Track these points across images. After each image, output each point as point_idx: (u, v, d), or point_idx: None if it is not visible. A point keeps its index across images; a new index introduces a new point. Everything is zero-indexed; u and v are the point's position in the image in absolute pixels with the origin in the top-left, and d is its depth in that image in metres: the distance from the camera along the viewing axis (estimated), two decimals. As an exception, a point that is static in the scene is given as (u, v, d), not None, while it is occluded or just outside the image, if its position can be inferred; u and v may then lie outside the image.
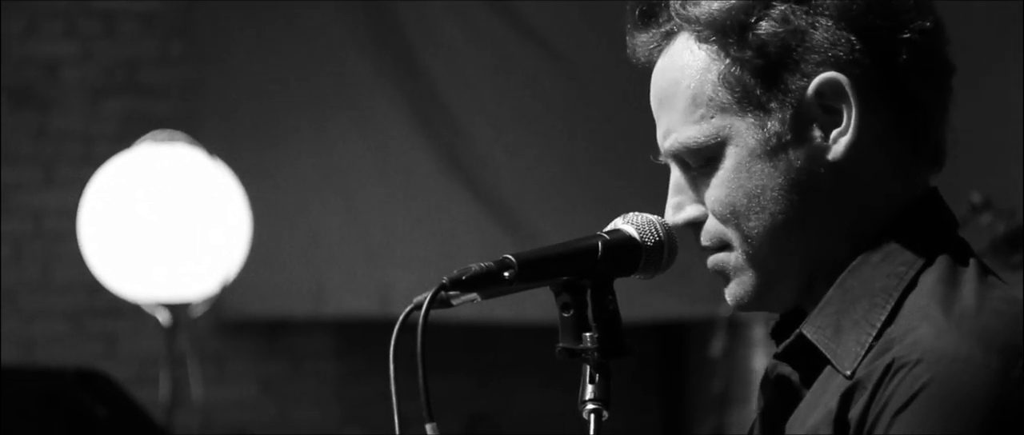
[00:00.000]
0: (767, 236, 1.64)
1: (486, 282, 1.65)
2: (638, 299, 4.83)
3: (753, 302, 1.68)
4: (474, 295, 1.66)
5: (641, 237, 1.68)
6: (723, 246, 1.67)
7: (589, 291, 1.67)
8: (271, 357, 5.95)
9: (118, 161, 4.98)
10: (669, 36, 1.68)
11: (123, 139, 5.18)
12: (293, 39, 5.74)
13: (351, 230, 5.76)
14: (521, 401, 6.10)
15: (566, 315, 1.67)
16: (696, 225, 1.68)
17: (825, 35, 1.61)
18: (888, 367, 1.54)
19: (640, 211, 1.72)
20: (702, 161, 1.66)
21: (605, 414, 1.66)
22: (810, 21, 1.61)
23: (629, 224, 1.70)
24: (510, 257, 1.65)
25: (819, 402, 1.60)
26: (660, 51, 1.69)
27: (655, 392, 6.26)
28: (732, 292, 1.68)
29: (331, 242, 5.76)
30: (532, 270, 1.65)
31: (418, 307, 1.65)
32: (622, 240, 1.68)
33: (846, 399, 1.56)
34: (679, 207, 1.69)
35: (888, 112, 1.63)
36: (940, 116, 1.66)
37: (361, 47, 5.74)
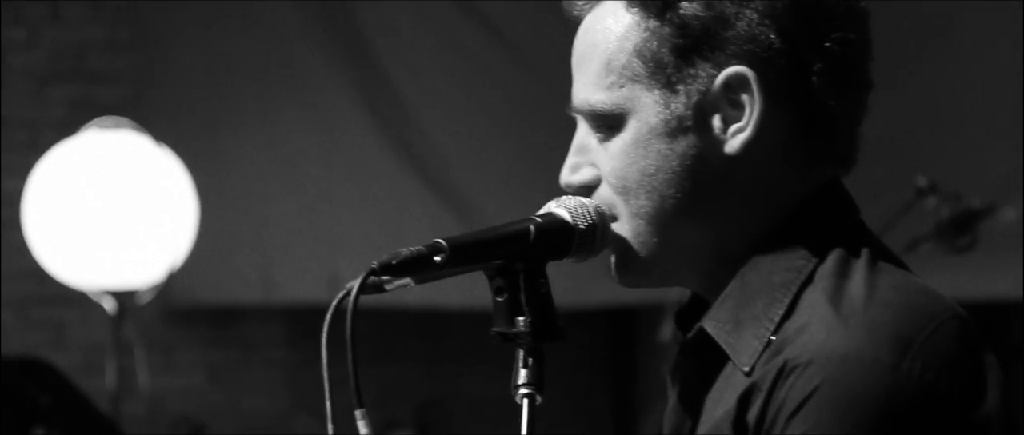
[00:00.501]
0: (654, 216, 1.64)
1: (417, 267, 1.64)
2: (587, 285, 4.83)
3: (633, 278, 1.68)
4: (407, 280, 1.66)
5: (574, 220, 1.67)
6: (612, 216, 1.67)
7: (522, 275, 1.66)
8: (220, 345, 5.93)
9: (64, 148, 4.94)
10: None
11: (69, 126, 5.14)
12: (242, 25, 5.71)
13: (300, 217, 5.74)
14: (471, 387, 6.09)
15: (499, 299, 1.67)
16: (589, 189, 1.69)
17: (746, 28, 1.61)
18: (781, 369, 1.54)
19: None
20: (605, 128, 1.67)
21: (538, 398, 1.66)
22: (735, 11, 1.61)
23: (562, 207, 1.69)
24: (441, 241, 1.65)
25: (722, 397, 1.61)
26: (589, 10, 1.70)
27: (605, 377, 6.27)
28: (616, 266, 1.68)
29: (280, 229, 5.74)
30: (464, 254, 1.64)
31: (350, 293, 1.64)
32: (554, 223, 1.67)
33: (744, 401, 1.56)
34: (575, 168, 1.70)
35: (793, 115, 1.62)
36: (847, 127, 1.65)
37: (310, 33, 5.72)
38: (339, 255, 5.68)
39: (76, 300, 5.32)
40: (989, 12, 4.67)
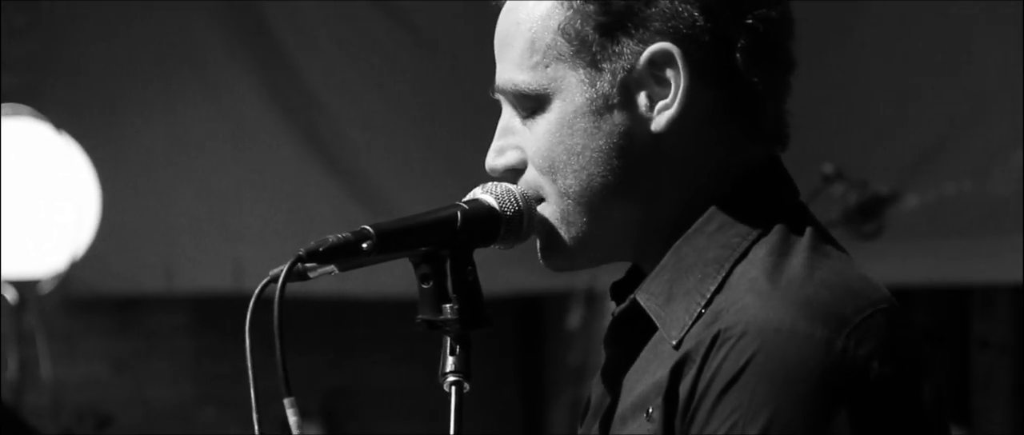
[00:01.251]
0: (582, 195, 1.64)
1: (344, 253, 1.62)
2: (495, 272, 4.82)
3: (562, 261, 1.68)
4: (332, 267, 1.64)
5: (500, 207, 1.67)
6: (539, 198, 1.67)
7: (448, 262, 1.65)
8: (123, 334, 5.86)
9: (-39, 135, 4.86)
10: None
11: (-33, 113, 5.06)
12: (144, 11, 5.64)
13: (203, 205, 5.68)
14: (377, 376, 6.07)
15: (425, 286, 1.65)
16: (516, 172, 1.68)
17: (669, 5, 1.61)
18: (714, 339, 1.54)
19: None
20: (530, 109, 1.66)
21: (466, 386, 1.65)
22: None
23: (488, 194, 1.68)
24: (368, 228, 1.63)
25: (648, 368, 1.61)
26: None
27: (513, 365, 6.28)
28: (543, 250, 1.68)
29: (182, 217, 5.68)
30: (391, 241, 1.63)
31: (274, 280, 1.62)
32: (481, 210, 1.67)
33: (676, 372, 1.56)
34: (501, 151, 1.69)
35: (718, 91, 1.63)
36: (772, 104, 1.65)
37: (214, 20, 5.66)
38: (243, 244, 5.64)
39: (-25, 290, 5.25)
40: (895, -1, 4.73)
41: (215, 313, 5.84)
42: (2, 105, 4.93)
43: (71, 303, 5.71)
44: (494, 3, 1.70)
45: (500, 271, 5.15)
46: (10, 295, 4.85)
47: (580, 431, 1.74)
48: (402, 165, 5.66)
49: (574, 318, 5.23)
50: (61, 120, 5.00)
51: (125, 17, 5.65)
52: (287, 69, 5.69)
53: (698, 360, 1.55)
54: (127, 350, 5.87)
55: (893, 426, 1.53)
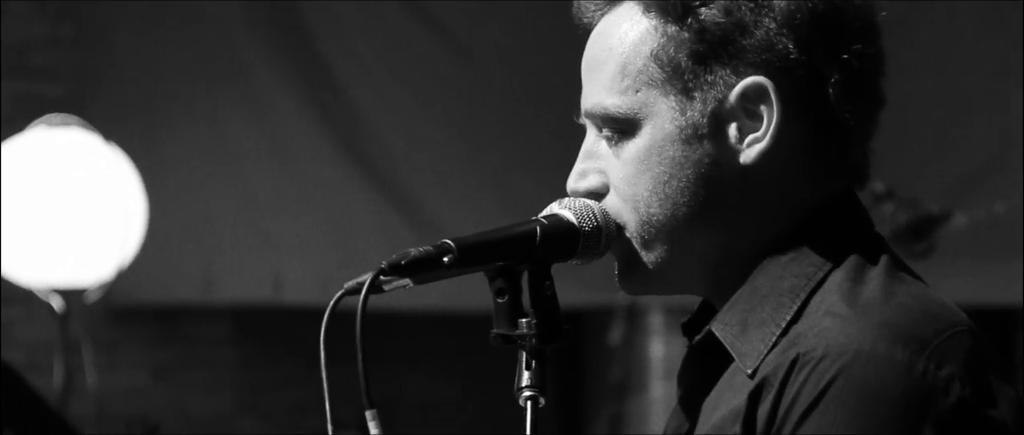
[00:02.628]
0: (665, 224, 1.64)
1: (424, 267, 1.63)
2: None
3: (640, 286, 1.68)
4: (407, 280, 1.64)
5: (579, 222, 1.67)
6: (620, 226, 1.66)
7: (526, 276, 1.65)
8: (164, 344, 5.88)
9: (10, 145, 4.88)
10: (614, 1, 1.67)
11: (14, 123, 5.08)
12: (186, 22, 5.66)
13: (244, 215, 5.69)
14: (415, 389, 6.07)
15: (501, 301, 1.65)
16: (597, 196, 1.67)
17: (765, 37, 1.60)
18: (793, 362, 1.53)
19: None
20: (618, 133, 1.65)
21: (541, 401, 1.65)
22: (754, 19, 1.61)
23: (566, 209, 1.68)
24: (449, 242, 1.63)
25: (722, 398, 1.60)
26: (602, 15, 1.68)
27: (553, 380, 6.26)
28: (621, 273, 1.68)
29: (223, 227, 5.69)
30: (471, 255, 1.63)
31: (350, 292, 1.63)
32: (560, 225, 1.66)
33: (754, 397, 1.56)
34: (583, 175, 1.68)
35: (808, 127, 1.62)
36: (860, 140, 1.65)
37: (256, 30, 5.68)
38: (282, 255, 5.65)
39: (22, 298, 5.26)
40: (947, 15, 4.71)
41: (255, 324, 5.85)
42: (51, 115, 4.95)
43: (113, 312, 5.73)
44: (586, 22, 1.70)
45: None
46: (57, 304, 4.86)
47: None
48: (440, 177, 5.66)
49: (615, 334, 5.22)
50: (106, 130, 5.02)
51: (169, 28, 5.67)
52: (328, 80, 5.71)
53: (777, 384, 1.54)
54: (167, 359, 5.88)
55: None
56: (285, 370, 5.73)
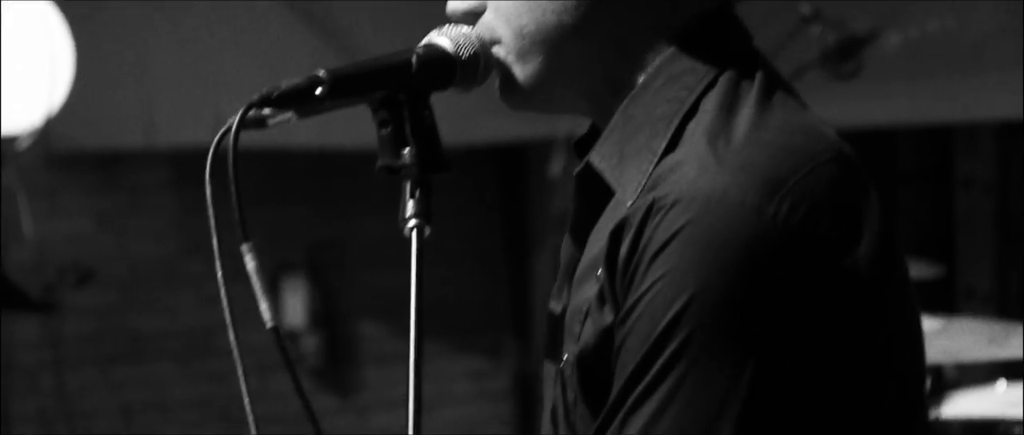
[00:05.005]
0: (536, 35, 1.63)
1: (297, 99, 1.61)
2: (477, 121, 4.81)
3: (520, 100, 1.67)
4: (289, 114, 1.62)
5: (456, 50, 1.65)
6: (495, 40, 1.65)
7: (406, 106, 1.63)
8: (105, 190, 5.85)
9: (-68, -9, 4.80)
10: None
11: (-63, -32, 4.99)
12: None
13: (181, 57, 5.63)
14: (363, 227, 6.07)
15: (384, 132, 1.64)
16: (475, 16, 1.67)
17: None
18: (649, 207, 1.53)
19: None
20: None
21: (427, 229, 1.63)
22: None
23: (444, 36, 1.67)
24: (321, 73, 1.61)
25: (605, 227, 1.60)
26: None
27: (496, 213, 6.28)
28: (502, 88, 1.67)
29: (161, 70, 5.63)
30: (345, 85, 1.61)
31: (231, 129, 1.60)
32: (436, 53, 1.65)
33: (615, 237, 1.55)
34: None
35: None
36: None
37: None
38: (222, 95, 5.60)
39: (-50, 148, 5.22)
40: None
41: (197, 167, 5.77)
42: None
43: (52, 159, 5.69)
44: None
45: (481, 120, 5.13)
46: (-14, 152, 4.83)
47: (554, 287, 1.73)
48: (376, 14, 5.60)
49: (556, 166, 5.21)
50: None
51: None
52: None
53: (634, 227, 1.53)
54: (110, 205, 5.86)
55: (826, 285, 1.51)
56: (227, 212, 5.70)
